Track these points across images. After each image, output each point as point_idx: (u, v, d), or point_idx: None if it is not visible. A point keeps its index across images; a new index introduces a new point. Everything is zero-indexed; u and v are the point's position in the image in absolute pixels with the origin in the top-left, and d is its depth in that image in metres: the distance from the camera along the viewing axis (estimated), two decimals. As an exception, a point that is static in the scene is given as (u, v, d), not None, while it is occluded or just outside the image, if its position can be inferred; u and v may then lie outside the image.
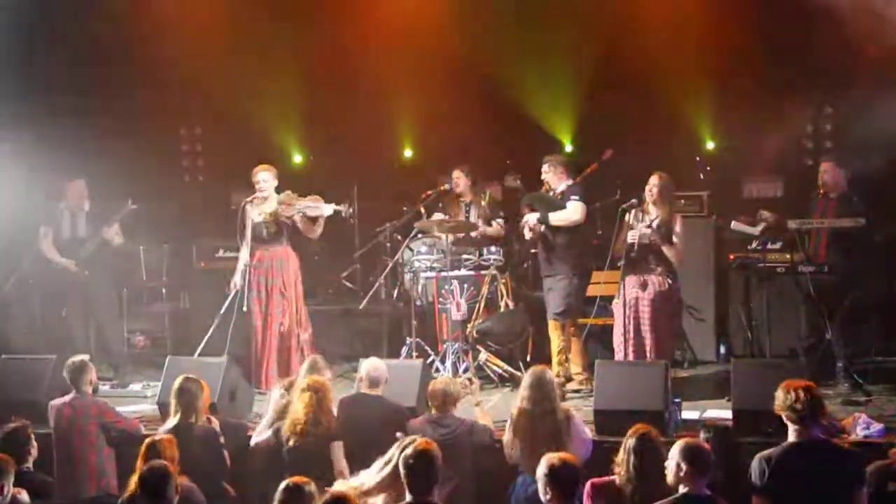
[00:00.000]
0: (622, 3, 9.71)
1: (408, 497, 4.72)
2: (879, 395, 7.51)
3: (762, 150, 9.83)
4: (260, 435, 6.50)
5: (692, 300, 8.68)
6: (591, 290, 8.41)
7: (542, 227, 8.09)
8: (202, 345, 8.27)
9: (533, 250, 8.44)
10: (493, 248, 8.79)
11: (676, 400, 6.97)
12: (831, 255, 7.82)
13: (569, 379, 8.04)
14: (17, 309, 9.31)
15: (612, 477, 5.11)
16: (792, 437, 5.07)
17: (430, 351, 8.54)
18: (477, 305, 8.56)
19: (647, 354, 7.57)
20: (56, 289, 8.89)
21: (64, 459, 6.46)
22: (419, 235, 9.13)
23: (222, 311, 8.36)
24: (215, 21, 9.65)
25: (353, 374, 7.47)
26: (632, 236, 7.64)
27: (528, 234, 8.23)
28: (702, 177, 10.33)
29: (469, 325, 8.48)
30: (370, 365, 6.66)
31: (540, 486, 4.82)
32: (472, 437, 6.21)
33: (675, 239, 7.68)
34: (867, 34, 7.57)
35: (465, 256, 8.72)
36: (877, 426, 6.49)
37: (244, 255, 8.39)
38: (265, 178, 8.36)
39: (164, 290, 10.20)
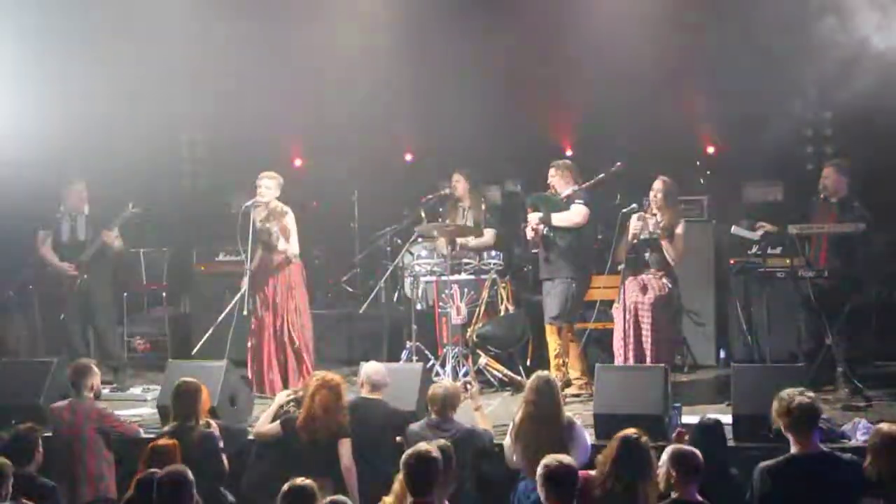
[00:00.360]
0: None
1: (408, 499, 4.74)
2: (879, 399, 7.52)
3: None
4: (263, 426, 6.56)
5: (692, 305, 8.68)
6: (592, 295, 8.42)
7: (545, 229, 8.09)
8: (199, 344, 8.28)
9: (535, 250, 8.43)
10: (493, 253, 8.79)
11: (676, 405, 6.97)
12: (831, 260, 7.82)
13: (567, 384, 8.03)
14: (16, 312, 9.32)
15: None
16: (793, 448, 5.06)
17: (430, 355, 8.54)
18: (477, 309, 8.57)
19: (647, 359, 7.57)
20: (55, 292, 8.88)
21: (63, 463, 6.45)
22: (419, 239, 9.14)
23: (223, 314, 8.36)
24: (216, 22, 9.64)
25: (353, 378, 7.47)
26: (634, 229, 7.66)
27: (529, 235, 8.23)
28: (702, 181, 10.34)
29: (469, 330, 8.48)
30: (370, 369, 6.68)
31: (539, 488, 4.84)
32: (472, 442, 6.20)
33: (673, 247, 7.69)
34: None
35: (465, 261, 8.73)
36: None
37: (246, 257, 8.40)
38: (267, 185, 8.36)
39: (164, 294, 10.20)
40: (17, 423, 6.21)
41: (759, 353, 8.29)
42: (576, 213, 8.06)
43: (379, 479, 5.99)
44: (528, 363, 8.59)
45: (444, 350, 8.44)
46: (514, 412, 6.17)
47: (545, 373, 6.23)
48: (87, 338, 8.85)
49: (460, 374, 8.18)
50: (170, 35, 9.24)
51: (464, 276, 8.65)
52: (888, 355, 8.48)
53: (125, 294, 9.55)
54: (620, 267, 7.72)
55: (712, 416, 5.95)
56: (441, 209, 9.22)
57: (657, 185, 7.82)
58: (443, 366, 8.34)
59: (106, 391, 7.96)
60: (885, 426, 5.06)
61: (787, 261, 7.97)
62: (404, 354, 8.59)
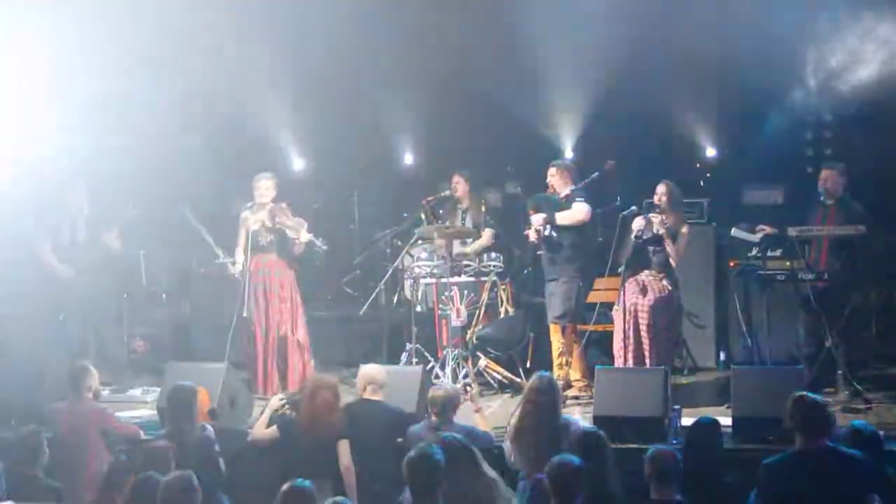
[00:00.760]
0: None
1: (410, 498, 4.74)
2: (879, 402, 7.52)
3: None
4: (259, 431, 6.59)
5: (692, 307, 8.68)
6: (591, 297, 8.42)
7: (549, 229, 8.09)
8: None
9: (539, 252, 8.44)
10: (493, 255, 8.80)
11: (676, 407, 6.97)
12: (831, 263, 7.83)
13: (568, 385, 8.03)
14: (16, 313, 9.31)
15: None
16: (798, 444, 5.06)
17: (429, 357, 8.54)
18: (477, 312, 8.57)
19: (647, 361, 7.57)
20: (55, 293, 8.88)
21: (63, 465, 6.45)
22: (419, 241, 9.14)
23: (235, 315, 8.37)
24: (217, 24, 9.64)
25: (352, 379, 7.47)
26: (637, 228, 7.66)
27: (532, 237, 8.22)
28: (702, 184, 10.34)
29: (469, 332, 8.48)
30: (370, 371, 6.70)
31: (549, 488, 4.86)
32: (473, 444, 6.19)
33: (677, 244, 7.70)
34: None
35: (465, 263, 8.73)
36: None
37: (239, 259, 8.41)
38: (266, 185, 8.40)
39: (164, 296, 10.20)
40: (16, 424, 6.21)
41: (759, 355, 8.29)
42: (578, 211, 8.08)
43: (379, 480, 6.01)
44: (528, 365, 8.60)
45: (444, 352, 8.45)
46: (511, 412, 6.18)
47: (547, 373, 6.24)
48: (87, 339, 8.85)
49: (460, 377, 8.18)
50: (165, 34, 9.24)
51: (464, 278, 8.66)
52: (888, 358, 8.48)
53: (125, 295, 9.54)
54: (620, 269, 7.73)
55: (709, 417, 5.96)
56: (441, 211, 9.22)
57: (661, 188, 7.85)
58: (443, 368, 8.35)
59: (105, 393, 7.97)
60: None
61: (787, 263, 7.97)
62: (404, 356, 8.60)
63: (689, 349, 8.89)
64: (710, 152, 10.46)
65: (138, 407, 8.11)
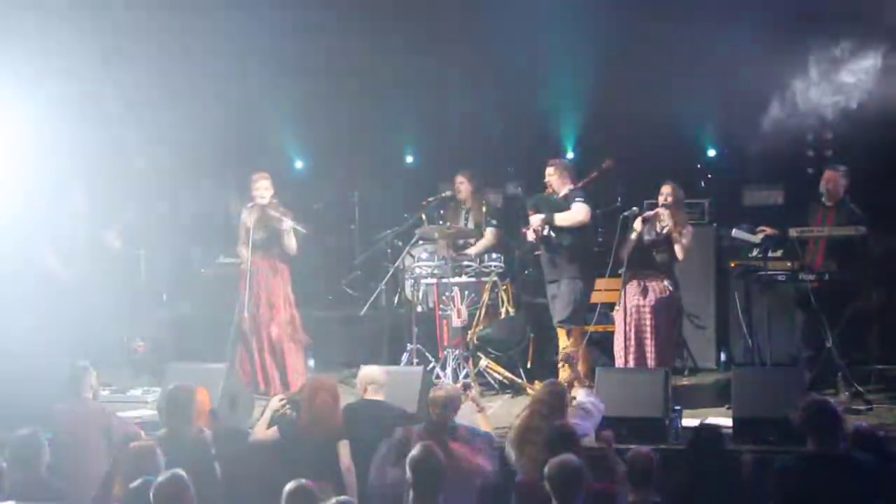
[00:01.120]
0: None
1: (414, 500, 4.75)
2: (880, 403, 7.51)
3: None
4: (260, 432, 6.58)
5: (693, 308, 8.67)
6: (592, 298, 8.41)
7: (547, 229, 8.07)
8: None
9: (536, 252, 8.43)
10: (493, 255, 8.80)
11: (677, 408, 6.97)
12: (831, 264, 7.82)
13: (571, 385, 8.02)
14: (16, 313, 9.31)
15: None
16: (810, 446, 5.06)
17: (430, 357, 8.54)
18: (478, 312, 8.57)
19: (648, 362, 7.57)
20: (55, 293, 8.88)
21: (64, 465, 6.44)
22: (420, 242, 9.14)
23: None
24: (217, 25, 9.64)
25: (352, 380, 7.48)
26: (638, 228, 7.66)
27: (531, 237, 8.21)
28: (703, 184, 10.34)
29: (470, 332, 8.48)
30: (370, 371, 6.70)
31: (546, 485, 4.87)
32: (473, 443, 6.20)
33: (682, 240, 7.71)
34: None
35: (465, 263, 8.73)
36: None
37: (244, 257, 8.43)
38: (265, 185, 8.41)
39: (164, 296, 10.20)
40: (17, 425, 6.20)
41: (760, 355, 8.29)
42: (577, 212, 8.03)
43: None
44: (529, 366, 8.60)
45: (445, 352, 8.44)
46: (516, 413, 6.18)
47: (557, 382, 6.34)
48: (88, 339, 8.85)
49: (461, 377, 8.18)
50: (166, 37, 9.26)
51: (464, 278, 8.66)
52: (889, 359, 8.47)
53: (125, 295, 9.54)
54: (621, 270, 7.72)
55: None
56: (442, 211, 9.21)
57: (666, 188, 7.83)
58: (443, 368, 8.35)
59: (106, 393, 7.98)
60: None
61: (788, 264, 7.97)
62: (405, 357, 8.60)
63: (690, 350, 8.87)
64: (711, 153, 10.47)
65: (138, 407, 8.11)
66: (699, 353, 8.99)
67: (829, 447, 4.96)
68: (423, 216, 9.19)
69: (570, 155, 10.41)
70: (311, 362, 9.05)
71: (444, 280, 8.56)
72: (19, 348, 8.67)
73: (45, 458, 5.93)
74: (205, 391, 6.60)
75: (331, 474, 6.09)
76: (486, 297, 8.61)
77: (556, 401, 5.99)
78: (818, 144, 10.07)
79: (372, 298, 9.32)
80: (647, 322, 7.61)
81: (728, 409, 7.08)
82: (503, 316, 8.67)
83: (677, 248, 7.73)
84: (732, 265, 8.57)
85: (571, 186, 8.17)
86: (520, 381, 8.36)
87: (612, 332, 7.90)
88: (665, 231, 7.76)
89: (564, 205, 8.11)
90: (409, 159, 11.46)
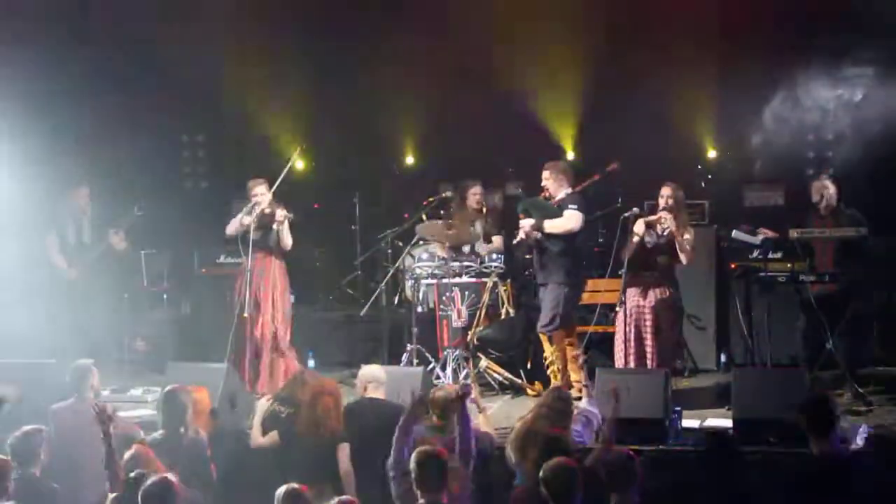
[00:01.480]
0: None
1: (420, 499, 4.75)
2: (881, 405, 7.51)
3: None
4: (258, 437, 6.57)
5: (693, 309, 8.66)
6: (592, 298, 8.41)
7: (538, 234, 8.03)
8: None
9: (528, 255, 8.42)
10: (493, 256, 8.80)
11: (677, 409, 6.97)
12: (841, 265, 7.81)
13: (569, 386, 8.01)
14: (17, 313, 9.31)
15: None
16: (812, 447, 5.06)
17: (430, 358, 8.53)
18: (478, 313, 8.57)
19: (648, 363, 7.56)
20: (57, 293, 8.89)
21: (65, 465, 6.45)
22: (420, 242, 9.14)
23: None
24: (218, 26, 9.65)
25: (352, 380, 7.48)
26: (638, 230, 7.65)
27: (521, 236, 8.13)
28: (703, 185, 10.34)
29: (470, 333, 8.48)
30: (370, 370, 6.70)
31: (542, 489, 4.87)
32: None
33: (687, 246, 7.70)
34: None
35: (466, 264, 8.73)
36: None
37: (244, 257, 8.44)
38: (262, 191, 8.38)
39: (164, 296, 10.20)
40: (17, 425, 6.20)
41: (760, 357, 8.29)
42: (568, 220, 7.88)
43: (378, 481, 6.00)
44: (528, 366, 8.59)
45: (445, 353, 8.44)
46: (519, 415, 6.19)
47: (564, 389, 6.36)
48: (88, 339, 8.86)
49: (461, 377, 8.18)
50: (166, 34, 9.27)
51: (465, 279, 8.65)
52: (889, 360, 8.48)
53: (126, 295, 9.54)
54: (621, 271, 7.71)
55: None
56: (442, 212, 9.22)
57: (667, 190, 7.77)
58: (443, 369, 8.35)
59: (106, 392, 7.97)
60: None
61: (788, 265, 7.97)
62: (405, 357, 8.59)
63: (690, 351, 8.88)
64: (711, 153, 10.47)
65: (138, 407, 8.10)
66: (699, 354, 8.99)
67: (822, 446, 4.96)
68: (424, 216, 9.19)
69: (570, 155, 10.43)
70: (312, 362, 9.06)
71: (445, 280, 8.56)
72: (19, 348, 8.69)
73: (43, 459, 5.93)
74: (204, 391, 6.60)
75: (330, 477, 6.08)
76: (486, 297, 8.61)
77: (563, 407, 5.98)
78: (819, 145, 10.09)
79: (372, 299, 9.32)
80: (648, 323, 7.60)
81: (728, 410, 7.08)
82: (503, 316, 8.67)
83: (682, 256, 7.68)
84: (733, 266, 8.56)
85: (569, 190, 8.03)
86: (520, 381, 8.36)
87: (612, 333, 7.89)
88: (667, 233, 7.74)
89: (556, 211, 7.96)
90: (410, 160, 11.47)
